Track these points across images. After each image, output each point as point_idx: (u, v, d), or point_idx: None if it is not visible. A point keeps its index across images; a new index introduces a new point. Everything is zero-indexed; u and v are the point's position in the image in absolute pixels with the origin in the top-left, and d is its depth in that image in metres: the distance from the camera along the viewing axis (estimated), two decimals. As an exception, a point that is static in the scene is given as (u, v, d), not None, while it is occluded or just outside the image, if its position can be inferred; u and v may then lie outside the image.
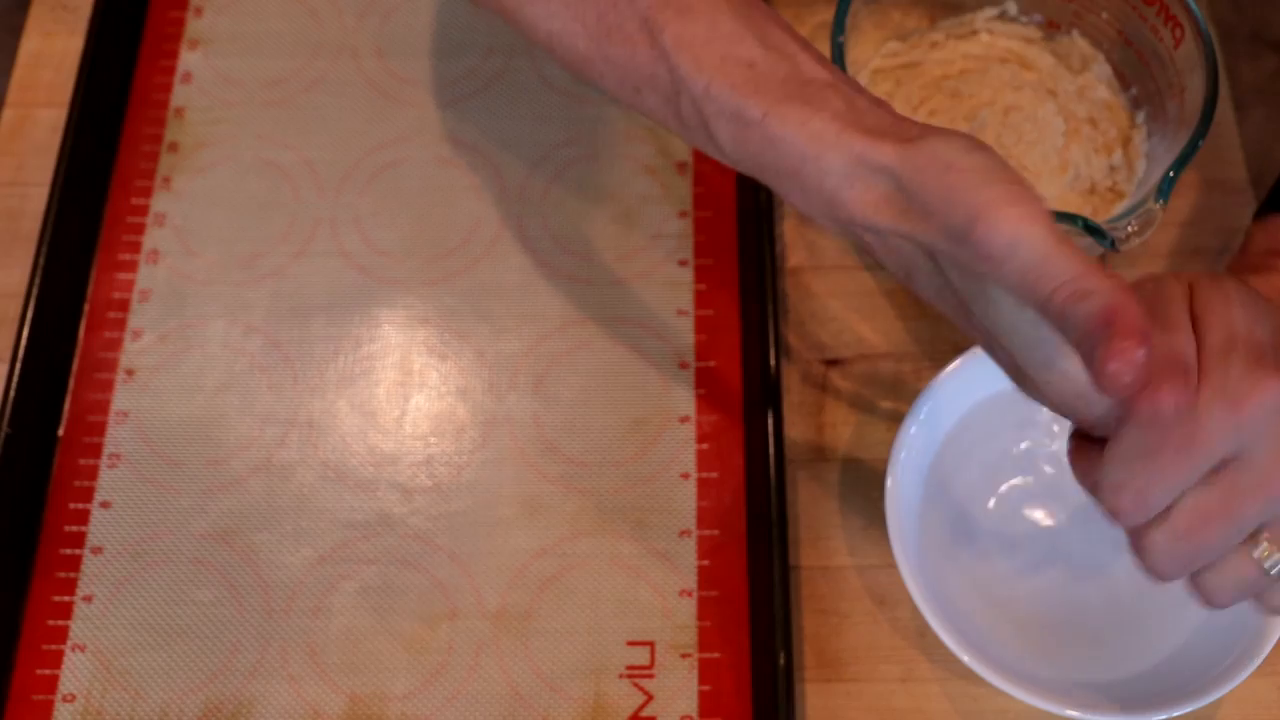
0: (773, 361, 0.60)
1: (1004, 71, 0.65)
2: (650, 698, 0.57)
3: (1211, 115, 0.56)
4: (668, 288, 0.65)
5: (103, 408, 0.62)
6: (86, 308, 0.64)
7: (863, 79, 0.64)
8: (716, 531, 0.60)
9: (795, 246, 0.66)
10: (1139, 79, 0.62)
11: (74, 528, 0.60)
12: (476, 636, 0.58)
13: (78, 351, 0.64)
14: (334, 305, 0.65)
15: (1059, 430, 0.59)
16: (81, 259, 0.65)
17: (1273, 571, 0.42)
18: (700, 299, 0.65)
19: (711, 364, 0.63)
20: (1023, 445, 0.60)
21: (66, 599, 0.58)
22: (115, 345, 0.64)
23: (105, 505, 0.60)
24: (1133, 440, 0.41)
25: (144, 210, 0.67)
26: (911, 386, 0.62)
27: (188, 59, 0.71)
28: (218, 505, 0.60)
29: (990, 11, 0.66)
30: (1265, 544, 0.42)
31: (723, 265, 0.65)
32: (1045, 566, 0.58)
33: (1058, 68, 0.65)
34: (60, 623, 0.58)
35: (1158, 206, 0.54)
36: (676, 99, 0.45)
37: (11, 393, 0.59)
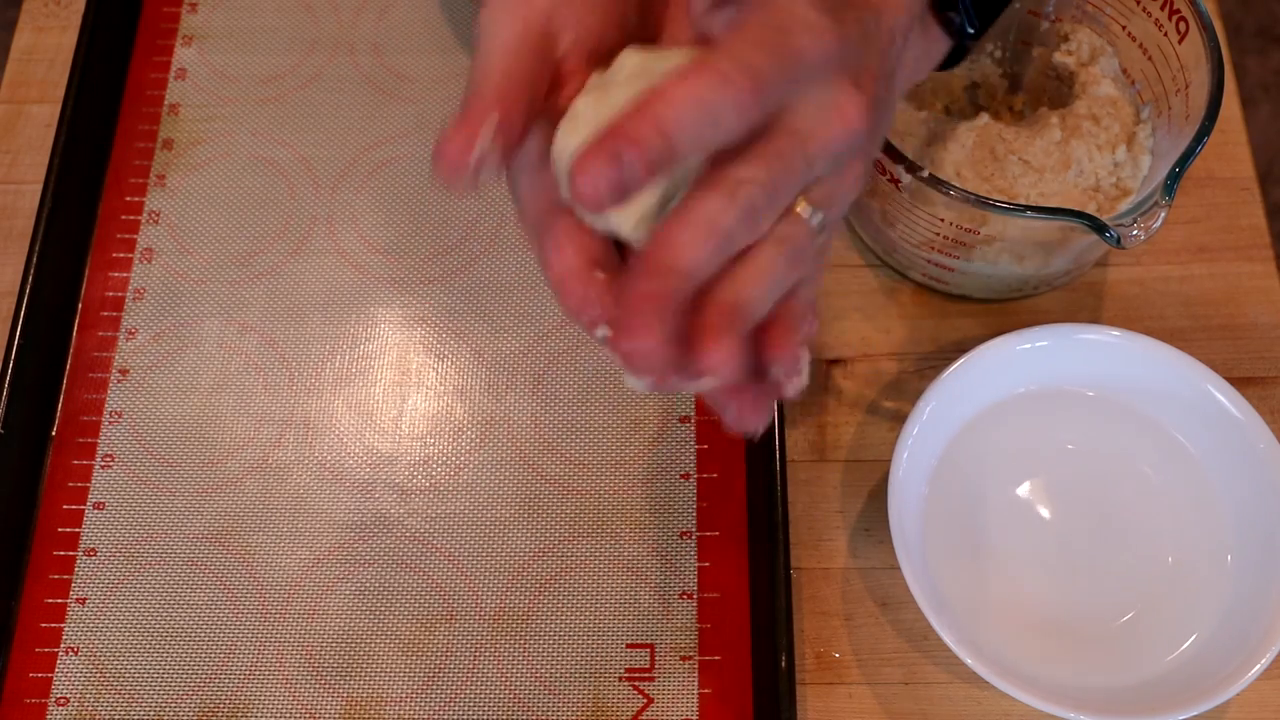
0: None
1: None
2: (650, 701, 0.56)
3: (1217, 111, 0.56)
4: (668, 286, 0.64)
5: (96, 408, 0.62)
6: (80, 306, 0.64)
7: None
8: (717, 533, 0.59)
9: (796, 244, 0.65)
10: (1143, 74, 0.61)
11: (67, 529, 0.59)
12: (474, 639, 0.57)
13: (71, 351, 0.63)
14: (330, 304, 0.64)
15: (1063, 431, 0.59)
16: (75, 257, 0.65)
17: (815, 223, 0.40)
18: (700, 297, 0.64)
19: (712, 363, 0.63)
20: (1028, 446, 0.59)
21: (60, 601, 0.58)
22: (109, 344, 0.63)
23: (99, 506, 0.60)
24: None
25: (138, 208, 0.66)
26: (914, 386, 0.62)
27: (182, 55, 0.70)
28: (213, 506, 0.60)
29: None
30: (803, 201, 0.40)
31: (723, 263, 0.65)
32: (1050, 569, 0.57)
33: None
34: (53, 625, 0.58)
35: (1164, 203, 0.54)
36: None
37: (4, 392, 0.59)
